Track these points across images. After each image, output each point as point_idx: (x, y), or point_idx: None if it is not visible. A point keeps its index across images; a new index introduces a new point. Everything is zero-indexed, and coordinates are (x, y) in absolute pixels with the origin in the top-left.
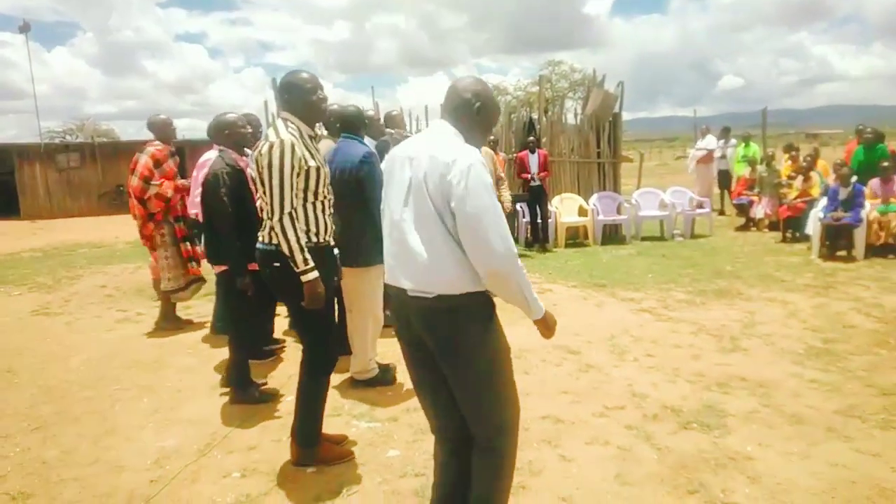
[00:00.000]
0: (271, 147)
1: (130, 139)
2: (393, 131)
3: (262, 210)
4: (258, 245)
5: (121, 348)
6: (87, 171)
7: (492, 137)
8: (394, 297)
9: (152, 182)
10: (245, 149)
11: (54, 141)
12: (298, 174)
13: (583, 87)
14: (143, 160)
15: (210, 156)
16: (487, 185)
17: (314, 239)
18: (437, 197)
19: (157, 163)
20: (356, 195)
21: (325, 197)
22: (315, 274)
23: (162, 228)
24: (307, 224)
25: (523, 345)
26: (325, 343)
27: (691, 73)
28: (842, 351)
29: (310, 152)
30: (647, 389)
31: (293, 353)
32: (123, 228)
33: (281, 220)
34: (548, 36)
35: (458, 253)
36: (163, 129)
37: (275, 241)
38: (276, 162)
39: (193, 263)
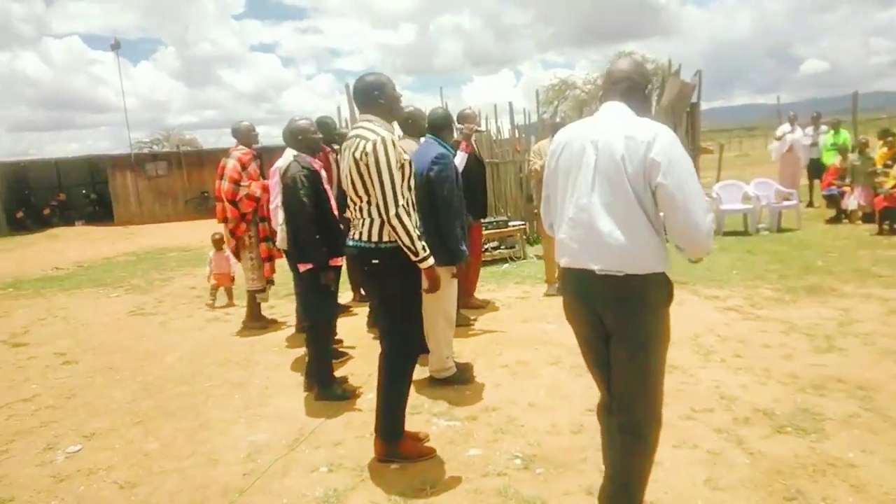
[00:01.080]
0: (375, 145)
1: (211, 147)
2: (463, 127)
3: (352, 209)
4: (352, 242)
5: (212, 346)
6: (173, 179)
7: None
8: (575, 280)
9: (242, 183)
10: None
11: (143, 151)
12: (400, 168)
13: (656, 78)
14: (231, 164)
15: (281, 163)
16: (688, 158)
17: None
18: (638, 177)
19: (244, 166)
20: (427, 195)
21: (411, 190)
22: (432, 260)
23: (251, 229)
24: None
25: None
26: (413, 336)
27: (770, 59)
28: None
29: (401, 148)
30: (737, 391)
31: (371, 351)
32: (208, 232)
33: (398, 213)
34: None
35: (653, 234)
36: (246, 135)
37: (373, 238)
38: (382, 158)
39: (270, 263)
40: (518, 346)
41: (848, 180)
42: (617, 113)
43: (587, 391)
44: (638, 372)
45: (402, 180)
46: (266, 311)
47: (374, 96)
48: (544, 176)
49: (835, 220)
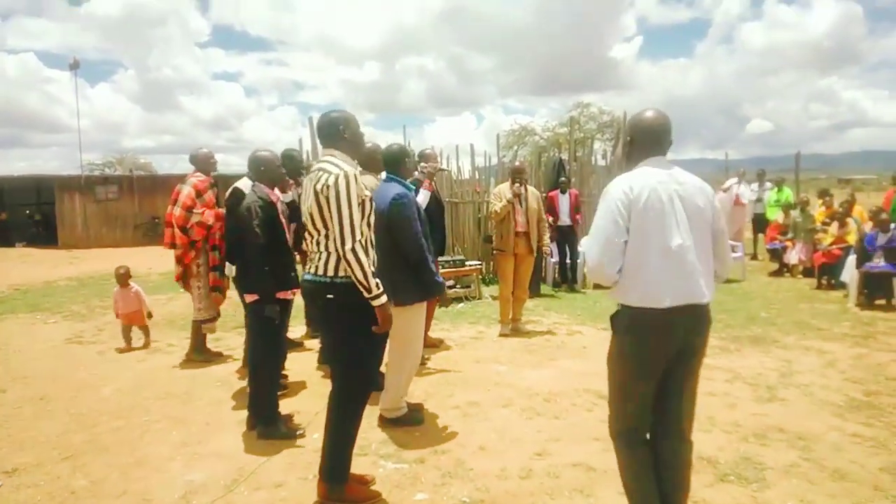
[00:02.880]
0: (337, 179)
1: (167, 172)
2: (426, 166)
3: (309, 242)
4: (308, 276)
5: (152, 379)
6: (124, 203)
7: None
8: (681, 315)
9: (195, 211)
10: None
11: (94, 173)
12: (360, 204)
13: (611, 129)
14: (186, 191)
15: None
16: None
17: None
18: (710, 220)
19: (199, 193)
20: (387, 234)
21: (370, 227)
22: (385, 298)
23: (199, 257)
24: None
25: (553, 388)
26: (366, 376)
27: (719, 116)
28: (885, 404)
29: (362, 184)
30: None
31: (320, 388)
32: (157, 260)
33: (354, 248)
34: (575, 78)
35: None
36: (204, 162)
37: (329, 272)
38: (343, 192)
39: (217, 293)
40: (470, 387)
41: (790, 235)
42: (671, 165)
43: (537, 435)
44: (696, 384)
45: (362, 217)
46: (212, 343)
47: (338, 131)
48: (609, 221)
49: (777, 273)
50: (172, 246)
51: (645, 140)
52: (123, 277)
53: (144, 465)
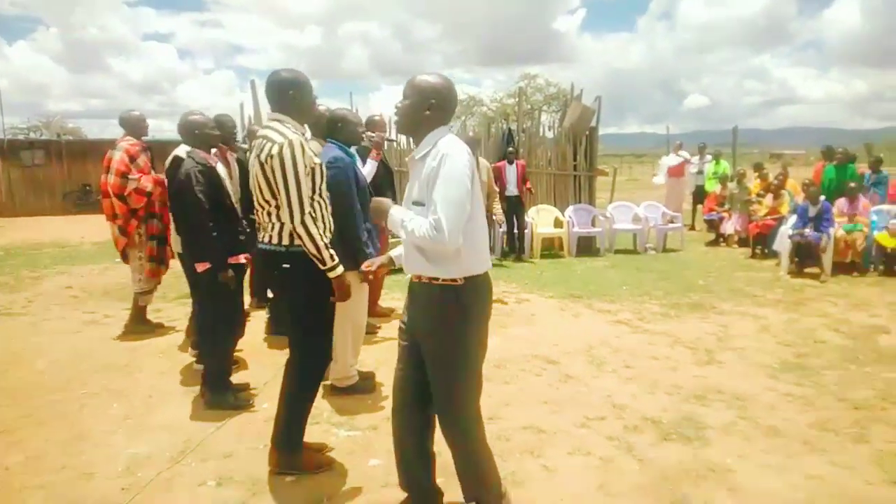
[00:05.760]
0: (282, 148)
1: (96, 138)
2: (374, 135)
3: (260, 213)
4: (263, 246)
5: (89, 351)
6: (51, 169)
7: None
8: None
9: (130, 177)
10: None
11: (17, 137)
12: (308, 173)
13: (557, 101)
14: (118, 156)
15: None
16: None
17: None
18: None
19: (132, 158)
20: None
21: (324, 194)
22: (342, 269)
23: (140, 226)
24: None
25: (503, 354)
26: (323, 345)
27: (659, 91)
28: (814, 365)
29: (311, 151)
30: (627, 400)
31: (267, 358)
32: (90, 229)
33: (303, 221)
34: (520, 50)
35: None
36: (136, 125)
37: (284, 241)
38: (288, 163)
39: (155, 264)
40: None
41: (727, 207)
42: None
43: (487, 399)
44: None
45: (314, 185)
46: (152, 314)
47: (288, 95)
48: (464, 189)
49: (714, 243)
50: (115, 217)
51: (448, 106)
52: None
53: (84, 439)
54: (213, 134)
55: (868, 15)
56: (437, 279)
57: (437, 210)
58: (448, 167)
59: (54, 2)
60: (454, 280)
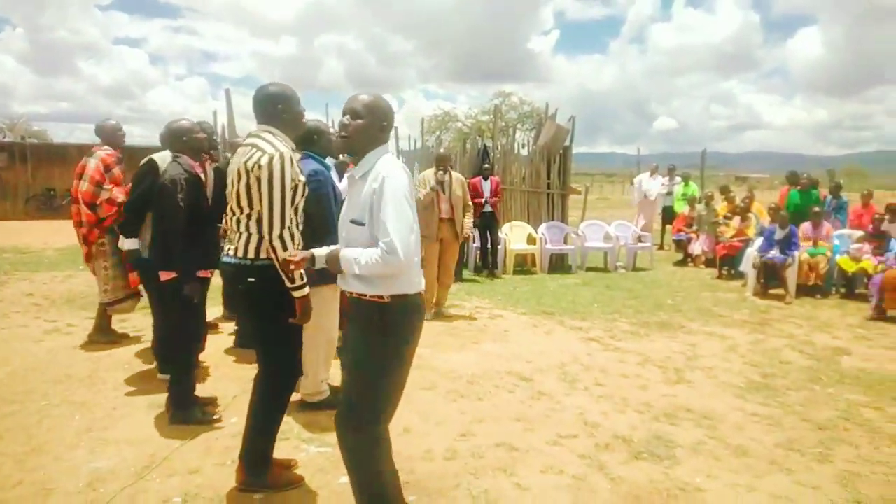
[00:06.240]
0: (271, 160)
1: (62, 142)
2: None
3: (230, 220)
4: (228, 259)
5: (50, 361)
6: (14, 173)
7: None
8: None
9: (104, 187)
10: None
11: None
12: (294, 188)
13: (531, 119)
14: (94, 164)
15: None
16: None
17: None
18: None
19: (107, 167)
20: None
21: (299, 211)
22: (307, 289)
23: (104, 237)
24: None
25: (476, 371)
26: (292, 361)
27: (629, 112)
28: (779, 386)
29: (297, 167)
30: (598, 418)
31: (235, 372)
32: (53, 235)
33: (281, 235)
34: (494, 67)
35: None
36: (112, 134)
37: (249, 255)
38: (277, 175)
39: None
40: None
41: (694, 228)
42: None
43: (461, 416)
44: None
45: (293, 202)
46: (117, 324)
47: (276, 109)
48: (408, 207)
49: (682, 263)
50: (81, 224)
51: (391, 127)
52: None
53: (43, 453)
54: (200, 138)
55: (829, 47)
56: (364, 295)
57: (388, 232)
58: (391, 188)
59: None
60: (380, 297)
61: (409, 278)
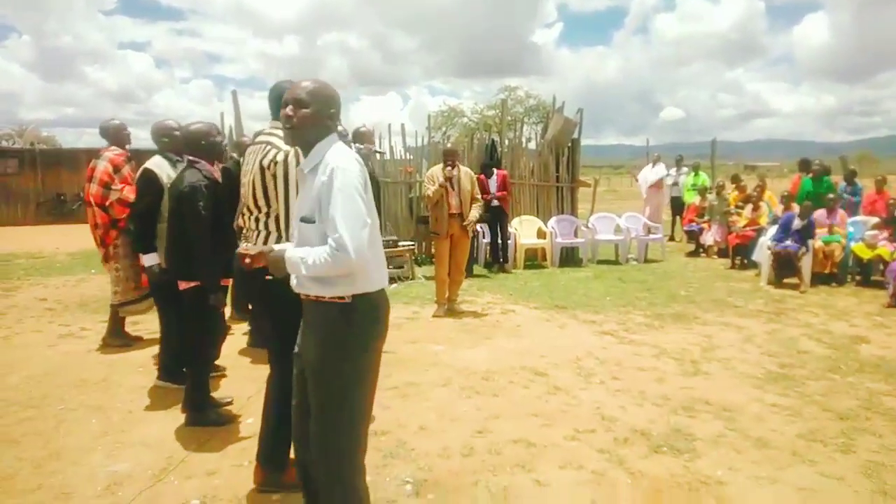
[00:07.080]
0: (287, 156)
1: (71, 146)
2: (362, 146)
3: (247, 218)
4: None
5: (65, 365)
6: (24, 178)
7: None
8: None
9: (113, 187)
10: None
11: None
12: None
13: (537, 113)
14: (102, 166)
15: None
16: None
17: None
18: None
19: (116, 168)
20: None
21: None
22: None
23: (119, 238)
24: None
25: (490, 366)
26: None
27: (635, 103)
28: (798, 376)
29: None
30: (616, 412)
31: (250, 373)
32: (64, 239)
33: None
34: (498, 62)
35: None
36: (117, 134)
37: None
38: (293, 170)
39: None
40: (407, 368)
41: (706, 218)
42: None
43: (477, 413)
44: None
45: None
46: (130, 327)
47: None
48: (361, 200)
49: (694, 254)
50: (96, 226)
51: (338, 115)
52: None
53: (61, 458)
54: (218, 141)
55: (836, 32)
56: (322, 297)
57: (338, 227)
58: (341, 180)
59: (28, 10)
60: (341, 298)
61: (370, 275)
